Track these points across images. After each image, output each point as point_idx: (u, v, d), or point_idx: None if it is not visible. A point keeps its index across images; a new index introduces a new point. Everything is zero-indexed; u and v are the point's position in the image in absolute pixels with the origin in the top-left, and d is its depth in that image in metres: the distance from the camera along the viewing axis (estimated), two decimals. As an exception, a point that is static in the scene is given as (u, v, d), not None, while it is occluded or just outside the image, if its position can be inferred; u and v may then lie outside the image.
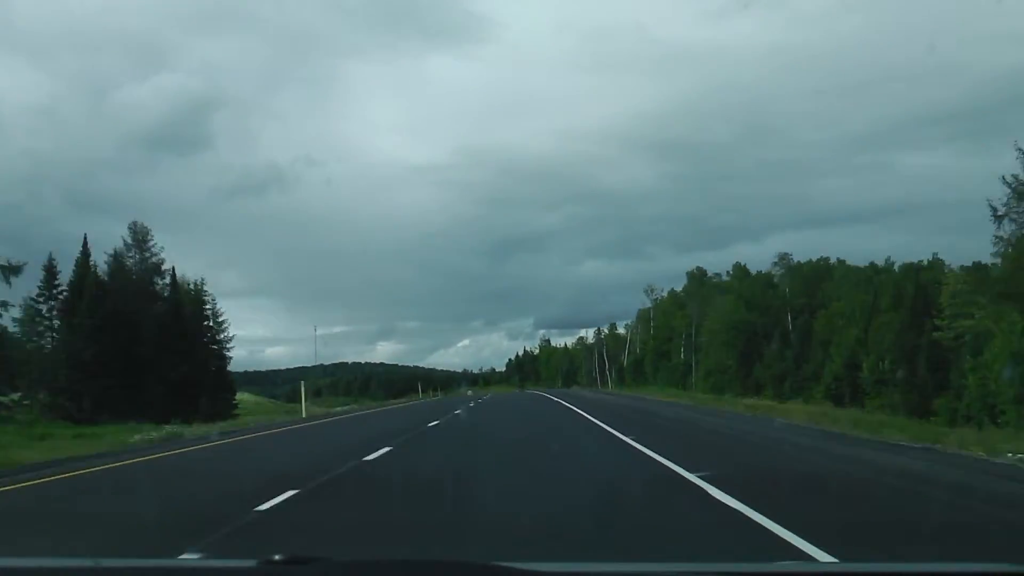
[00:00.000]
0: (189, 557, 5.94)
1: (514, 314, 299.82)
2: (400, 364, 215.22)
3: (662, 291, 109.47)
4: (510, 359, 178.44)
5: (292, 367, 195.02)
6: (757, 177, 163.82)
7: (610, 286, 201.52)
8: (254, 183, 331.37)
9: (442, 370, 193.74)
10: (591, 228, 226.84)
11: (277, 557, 2.34)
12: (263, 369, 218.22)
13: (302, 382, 45.25)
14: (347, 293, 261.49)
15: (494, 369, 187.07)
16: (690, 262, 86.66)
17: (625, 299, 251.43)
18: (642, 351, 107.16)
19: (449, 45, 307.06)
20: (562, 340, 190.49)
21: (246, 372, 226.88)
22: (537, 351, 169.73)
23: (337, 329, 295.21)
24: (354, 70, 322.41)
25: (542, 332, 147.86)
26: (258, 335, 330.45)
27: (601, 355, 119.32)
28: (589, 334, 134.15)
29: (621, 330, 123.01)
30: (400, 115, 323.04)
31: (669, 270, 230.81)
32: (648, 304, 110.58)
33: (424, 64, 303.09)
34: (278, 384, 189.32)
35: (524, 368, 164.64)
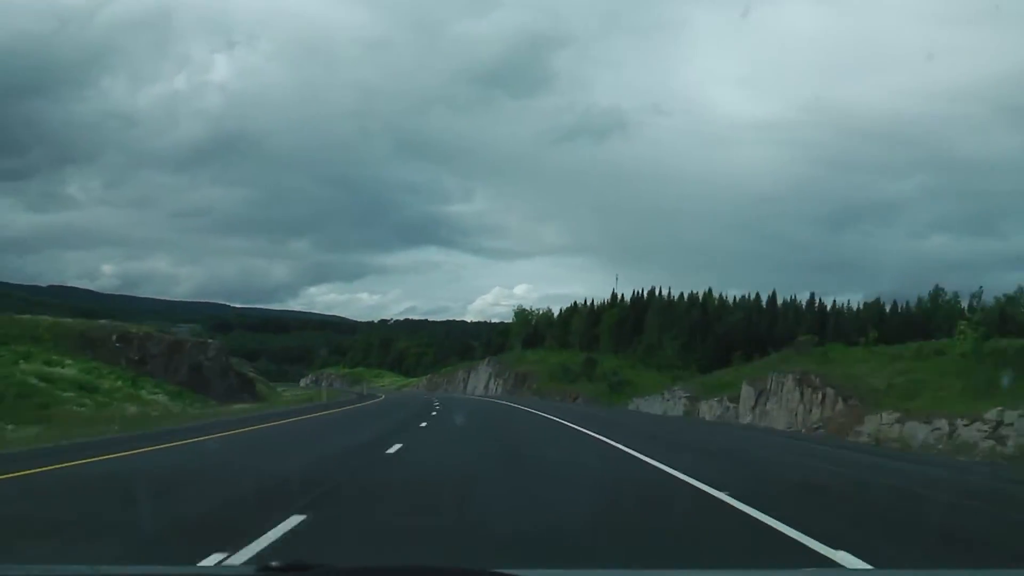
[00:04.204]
0: (189, 564, 5.47)
1: (844, 288, 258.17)
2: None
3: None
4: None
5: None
6: None
7: (953, 264, 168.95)
8: (584, 131, 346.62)
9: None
10: (941, 199, 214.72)
11: (275, 564, 2.26)
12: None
13: None
14: (668, 254, 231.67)
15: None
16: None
17: (968, 281, 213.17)
18: None
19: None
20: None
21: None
22: None
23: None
24: (699, 16, 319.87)
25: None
26: (577, 294, 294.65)
27: None
28: None
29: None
30: (744, 66, 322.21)
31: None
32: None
33: (775, 10, 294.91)
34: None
35: None
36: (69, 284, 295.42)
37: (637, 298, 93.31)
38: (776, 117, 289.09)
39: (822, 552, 6.39)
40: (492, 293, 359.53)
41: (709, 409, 37.51)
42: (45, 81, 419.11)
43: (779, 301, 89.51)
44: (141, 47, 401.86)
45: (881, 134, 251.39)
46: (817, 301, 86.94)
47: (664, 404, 44.27)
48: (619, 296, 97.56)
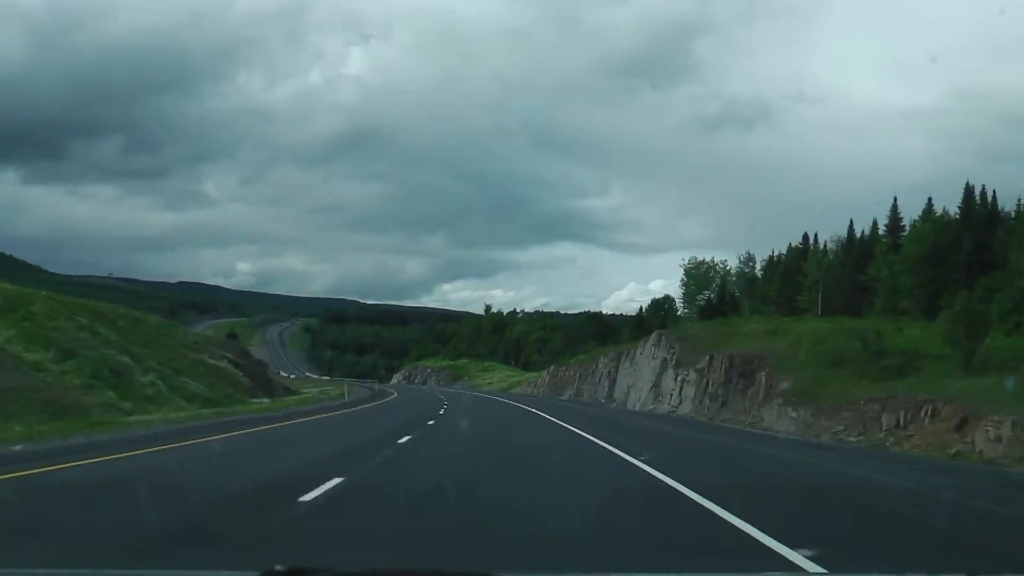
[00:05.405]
0: (192, 569, 5.51)
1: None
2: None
3: None
4: None
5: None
6: None
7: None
8: (727, 121, 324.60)
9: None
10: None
11: (279, 567, 2.27)
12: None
13: None
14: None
15: None
16: None
17: None
18: None
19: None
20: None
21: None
22: None
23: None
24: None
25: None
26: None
27: None
28: None
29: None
30: (886, 52, 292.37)
31: None
32: None
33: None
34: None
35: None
36: (206, 282, 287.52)
37: (968, 201, 46.60)
38: (923, 105, 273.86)
39: None
40: (627, 289, 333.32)
41: None
42: (181, 77, 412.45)
43: None
44: (275, 41, 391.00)
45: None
46: None
47: None
48: (927, 208, 50.36)
